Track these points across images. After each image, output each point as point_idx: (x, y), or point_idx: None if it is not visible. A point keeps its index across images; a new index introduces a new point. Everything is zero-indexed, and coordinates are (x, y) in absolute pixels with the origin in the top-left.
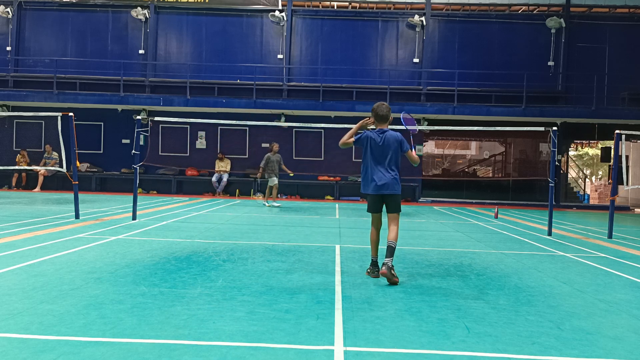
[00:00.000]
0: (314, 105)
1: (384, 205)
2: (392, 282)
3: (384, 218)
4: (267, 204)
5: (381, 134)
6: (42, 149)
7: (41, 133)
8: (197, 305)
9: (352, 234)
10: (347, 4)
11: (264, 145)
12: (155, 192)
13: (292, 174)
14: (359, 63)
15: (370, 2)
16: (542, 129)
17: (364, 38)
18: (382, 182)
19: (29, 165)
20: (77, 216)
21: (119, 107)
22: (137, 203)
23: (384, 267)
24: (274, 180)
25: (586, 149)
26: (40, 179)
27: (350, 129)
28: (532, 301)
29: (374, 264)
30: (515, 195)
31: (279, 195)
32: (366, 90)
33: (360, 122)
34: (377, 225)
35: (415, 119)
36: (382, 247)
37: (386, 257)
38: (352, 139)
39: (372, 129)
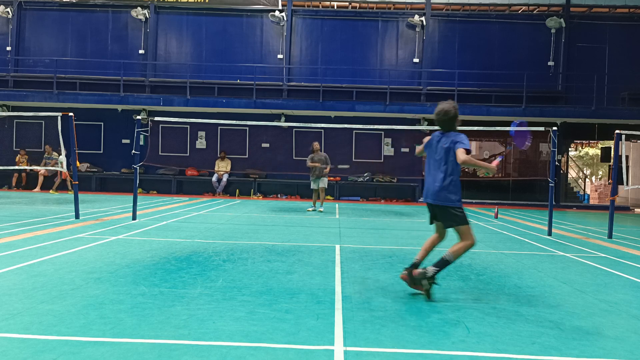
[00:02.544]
0: (314, 105)
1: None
2: (421, 291)
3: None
4: (320, 209)
5: (441, 135)
6: (42, 149)
7: (41, 133)
8: (197, 305)
9: (352, 234)
10: (347, 4)
11: (263, 145)
12: (155, 192)
13: (327, 170)
14: (359, 63)
15: (370, 2)
16: (542, 129)
17: (364, 38)
18: (431, 191)
19: (29, 165)
20: (77, 216)
21: (119, 107)
22: (137, 203)
23: (418, 270)
24: (317, 183)
25: (586, 149)
26: (40, 179)
27: (346, 128)
28: (532, 301)
29: (412, 265)
30: (515, 195)
31: (278, 195)
32: (366, 90)
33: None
34: (436, 233)
35: (524, 122)
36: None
37: (432, 265)
38: (421, 147)
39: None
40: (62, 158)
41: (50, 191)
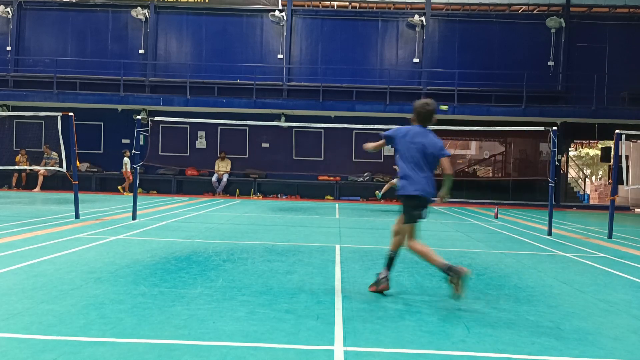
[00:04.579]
0: (314, 105)
1: None
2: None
3: None
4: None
5: (422, 130)
6: (42, 149)
7: (41, 133)
8: (197, 305)
9: (352, 234)
10: (347, 4)
11: (263, 145)
12: (155, 192)
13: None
14: (359, 63)
15: (370, 2)
16: (542, 129)
17: (364, 38)
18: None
19: (29, 165)
20: (77, 216)
21: (119, 107)
22: (137, 203)
23: None
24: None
25: (586, 149)
26: (40, 178)
27: (346, 128)
28: (532, 301)
29: None
30: (515, 195)
31: (278, 195)
32: (366, 90)
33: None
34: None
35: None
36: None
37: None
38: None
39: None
40: (127, 160)
41: (125, 193)
